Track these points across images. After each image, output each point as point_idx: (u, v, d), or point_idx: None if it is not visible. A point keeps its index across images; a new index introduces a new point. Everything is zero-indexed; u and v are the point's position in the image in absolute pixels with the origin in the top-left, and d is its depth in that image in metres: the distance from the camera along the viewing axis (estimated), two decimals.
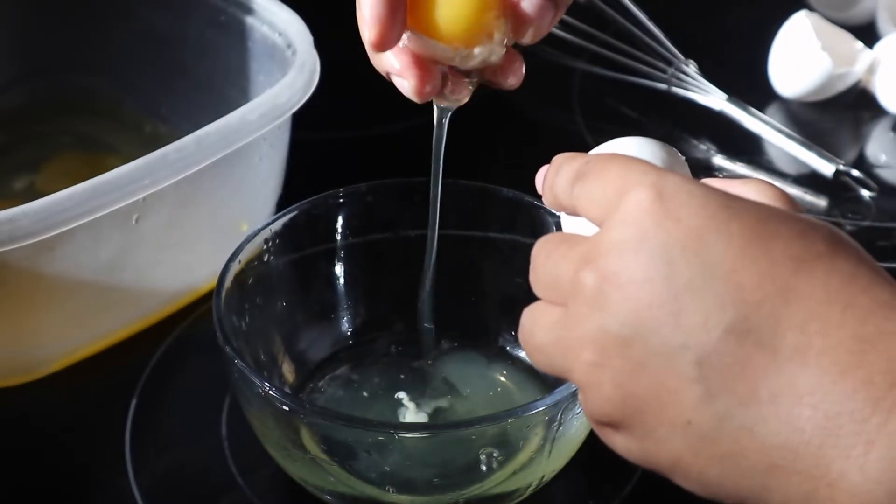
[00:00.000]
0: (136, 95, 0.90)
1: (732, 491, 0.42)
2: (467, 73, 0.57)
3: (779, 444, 0.40)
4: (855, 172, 0.88)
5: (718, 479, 0.42)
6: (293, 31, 0.78)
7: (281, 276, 0.70)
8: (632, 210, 0.42)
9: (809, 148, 0.90)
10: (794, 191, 0.89)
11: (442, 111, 0.60)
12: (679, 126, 0.95)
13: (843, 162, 0.89)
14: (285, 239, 0.69)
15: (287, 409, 0.60)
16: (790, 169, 0.91)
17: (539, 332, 0.45)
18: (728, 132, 0.93)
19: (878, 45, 0.96)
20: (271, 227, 0.69)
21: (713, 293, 0.41)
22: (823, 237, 0.42)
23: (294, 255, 0.70)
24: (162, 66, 0.88)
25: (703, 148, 0.93)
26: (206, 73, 0.86)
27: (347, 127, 0.94)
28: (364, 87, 0.97)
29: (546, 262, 0.45)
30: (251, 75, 0.83)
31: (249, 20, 0.81)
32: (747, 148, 0.93)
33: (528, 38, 0.56)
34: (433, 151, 0.62)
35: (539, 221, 0.70)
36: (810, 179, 0.89)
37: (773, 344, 0.40)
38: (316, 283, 0.72)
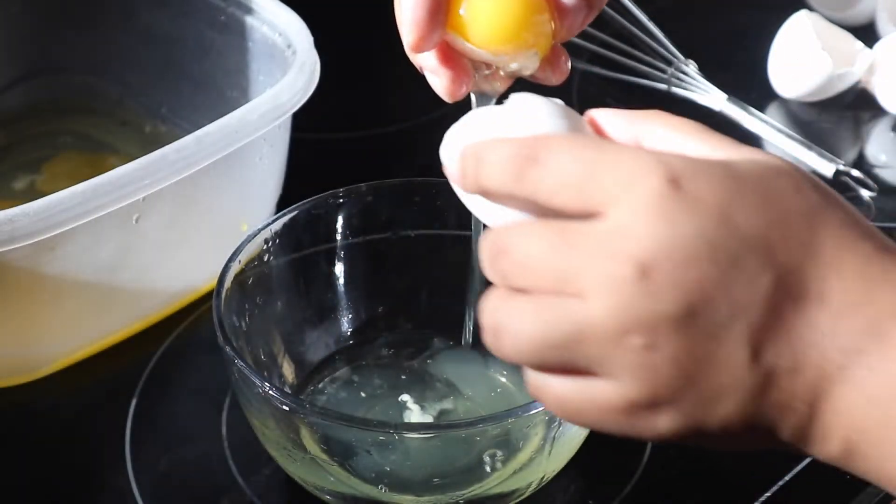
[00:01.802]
0: (136, 95, 0.90)
1: (770, 437, 0.45)
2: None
3: (812, 381, 0.43)
4: (855, 172, 0.88)
5: (767, 427, 0.44)
6: (293, 31, 0.78)
7: (281, 276, 0.70)
8: (649, 197, 0.43)
9: (809, 148, 0.90)
10: None
11: (479, 100, 0.58)
12: None
13: (843, 162, 0.89)
14: (285, 239, 0.69)
15: (287, 409, 0.60)
16: None
17: (548, 329, 0.44)
18: (728, 132, 0.92)
19: (878, 45, 0.96)
20: (271, 227, 0.69)
21: (753, 261, 0.43)
22: (808, 185, 0.45)
23: (294, 255, 0.70)
24: (162, 66, 0.88)
25: None
26: (206, 73, 0.86)
27: (347, 127, 0.94)
28: (364, 87, 0.97)
29: (553, 254, 0.44)
30: (251, 75, 0.83)
31: (249, 20, 0.81)
32: None
33: (560, 36, 0.55)
34: None
35: None
36: None
37: (801, 293, 0.44)
38: (316, 283, 0.72)
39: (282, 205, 0.79)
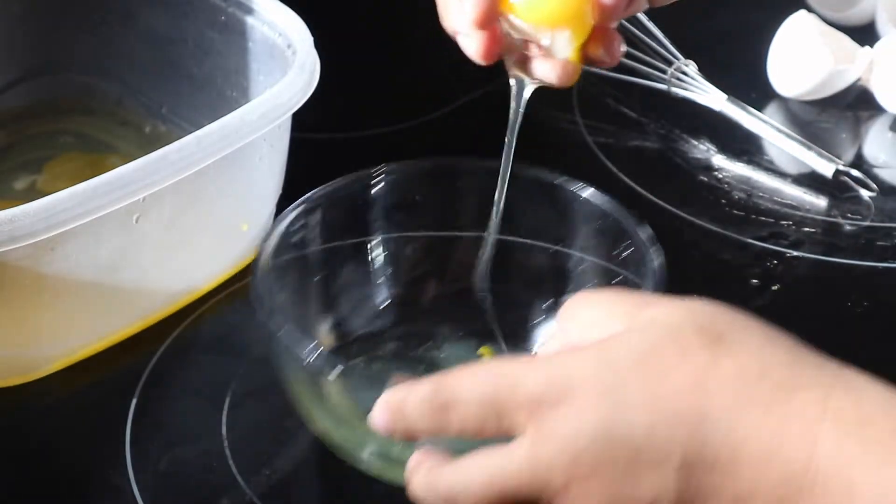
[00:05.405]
0: (136, 95, 0.90)
1: None
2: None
3: None
4: (854, 172, 0.88)
5: None
6: (293, 31, 0.78)
7: (313, 258, 0.69)
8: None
9: (809, 148, 0.90)
10: (793, 191, 0.89)
11: (519, 85, 0.61)
12: (679, 126, 0.95)
13: (842, 162, 0.89)
14: (322, 219, 0.69)
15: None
16: (790, 169, 0.91)
17: None
18: (728, 132, 0.93)
19: (878, 45, 0.96)
20: (306, 204, 0.68)
21: (650, 457, 0.46)
22: (697, 341, 0.47)
23: (328, 236, 0.70)
24: (162, 66, 0.88)
25: (703, 148, 0.93)
26: (206, 73, 0.86)
27: (347, 127, 0.94)
28: (364, 87, 0.97)
29: None
30: (251, 75, 0.83)
31: (249, 20, 0.81)
32: (747, 148, 0.93)
33: (598, 20, 0.58)
34: (508, 126, 0.63)
35: None
36: (810, 179, 0.89)
37: (712, 458, 0.45)
38: (348, 265, 0.71)
39: (282, 205, 0.79)
